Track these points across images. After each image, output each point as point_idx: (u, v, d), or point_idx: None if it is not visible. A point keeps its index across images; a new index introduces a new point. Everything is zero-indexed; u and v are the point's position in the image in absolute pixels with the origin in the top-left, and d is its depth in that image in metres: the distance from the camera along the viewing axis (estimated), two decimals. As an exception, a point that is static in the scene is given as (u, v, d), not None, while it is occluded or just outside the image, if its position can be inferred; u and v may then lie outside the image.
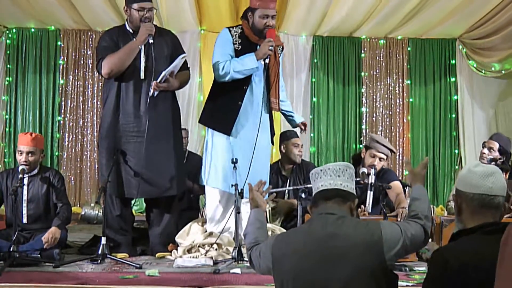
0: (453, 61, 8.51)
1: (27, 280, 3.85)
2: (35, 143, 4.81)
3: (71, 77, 8.26)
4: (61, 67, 8.23)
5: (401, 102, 8.53)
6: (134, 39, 4.73)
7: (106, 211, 4.75)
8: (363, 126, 8.44)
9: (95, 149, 7.59)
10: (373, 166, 4.98)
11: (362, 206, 4.70)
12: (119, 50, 4.70)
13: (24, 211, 4.80)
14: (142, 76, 4.73)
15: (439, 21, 7.83)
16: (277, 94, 4.91)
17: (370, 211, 4.63)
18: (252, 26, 4.79)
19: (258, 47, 4.73)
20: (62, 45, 8.24)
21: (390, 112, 8.50)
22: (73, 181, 8.16)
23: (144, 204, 5.40)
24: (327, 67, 8.45)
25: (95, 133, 7.93)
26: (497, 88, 8.39)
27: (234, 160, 4.61)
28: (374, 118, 8.49)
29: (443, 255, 2.13)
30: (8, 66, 8.16)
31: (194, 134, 7.94)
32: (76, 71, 8.27)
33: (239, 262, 4.23)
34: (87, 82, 8.28)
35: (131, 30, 4.84)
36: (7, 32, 8.16)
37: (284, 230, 4.54)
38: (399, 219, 4.58)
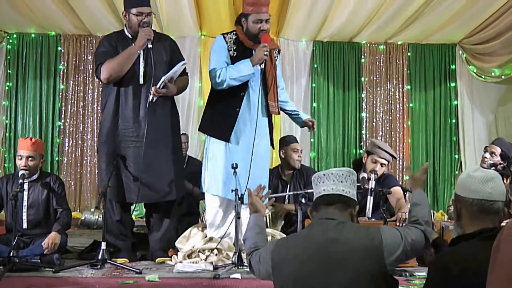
0: (453, 66, 8.53)
1: (27, 285, 3.86)
2: (35, 148, 4.81)
3: (71, 82, 8.28)
4: (61, 72, 8.25)
5: (401, 107, 8.54)
6: (133, 44, 4.73)
7: (106, 216, 4.75)
8: (363, 131, 8.45)
9: (95, 154, 7.59)
10: (374, 171, 4.98)
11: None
12: (118, 55, 4.71)
13: (24, 217, 4.79)
14: (141, 81, 4.73)
15: (439, 27, 7.85)
16: (275, 98, 4.89)
17: (370, 216, 4.62)
18: (246, 31, 4.78)
19: (253, 52, 4.72)
20: (63, 50, 8.26)
21: (390, 117, 8.51)
22: (73, 186, 8.17)
23: (144, 209, 5.39)
24: (327, 72, 8.46)
25: (95, 138, 7.93)
26: (497, 93, 8.40)
27: (234, 165, 4.60)
28: (374, 123, 8.50)
29: (443, 260, 2.12)
30: (8, 71, 8.18)
31: (194, 139, 7.94)
32: (77, 76, 8.29)
33: (239, 267, 4.22)
34: (87, 87, 8.29)
35: (130, 35, 4.84)
36: (8, 37, 8.19)
37: (284, 235, 4.54)
38: (397, 224, 4.58)
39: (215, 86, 4.77)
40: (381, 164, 5.14)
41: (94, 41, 8.15)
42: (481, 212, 2.23)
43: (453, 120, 8.53)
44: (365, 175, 4.92)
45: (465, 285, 2.00)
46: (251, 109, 4.81)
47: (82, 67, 8.28)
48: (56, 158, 8.19)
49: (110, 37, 4.95)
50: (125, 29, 4.91)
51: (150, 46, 4.66)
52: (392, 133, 8.50)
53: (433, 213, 6.32)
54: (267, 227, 5.09)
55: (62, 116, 8.24)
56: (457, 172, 8.39)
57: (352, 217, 2.56)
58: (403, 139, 8.50)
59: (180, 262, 4.52)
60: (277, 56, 5.06)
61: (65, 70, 8.26)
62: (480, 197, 2.23)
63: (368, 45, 8.53)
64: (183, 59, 4.92)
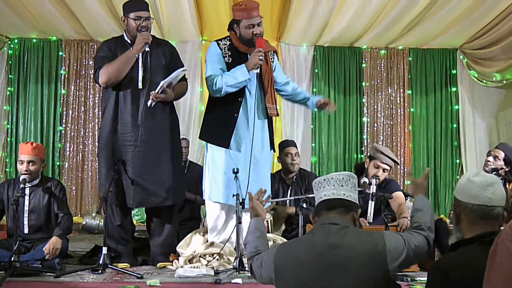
0: (454, 71, 8.54)
1: (28, 290, 3.85)
2: (36, 153, 4.81)
3: (72, 87, 8.30)
4: (62, 77, 8.27)
5: (402, 112, 8.55)
6: (131, 48, 4.75)
7: (107, 221, 4.75)
8: (364, 136, 8.45)
9: (96, 159, 7.59)
10: (376, 176, 4.97)
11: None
12: (116, 59, 4.71)
13: (25, 221, 4.79)
14: (140, 86, 4.73)
15: (440, 31, 7.86)
16: (273, 100, 4.87)
17: (371, 221, 4.61)
18: (240, 37, 4.77)
19: (248, 56, 4.70)
20: (64, 55, 8.28)
21: (391, 122, 8.52)
22: (74, 191, 8.18)
23: (145, 214, 5.39)
24: (328, 77, 8.47)
25: (96, 143, 7.93)
26: (498, 98, 8.41)
27: (236, 170, 4.60)
28: (375, 128, 8.50)
29: (443, 265, 2.12)
30: (10, 76, 8.20)
31: (195, 144, 7.94)
32: (78, 81, 8.31)
33: (241, 272, 4.21)
34: (88, 92, 8.31)
35: (129, 41, 4.84)
36: (9, 42, 8.21)
37: (285, 240, 4.53)
38: (399, 229, 4.57)
39: (213, 94, 4.77)
40: (383, 170, 5.13)
41: (95, 46, 8.16)
42: (480, 217, 2.22)
43: (454, 125, 8.53)
44: (366, 180, 4.92)
45: (465, 290, 2.00)
46: (249, 113, 4.79)
47: (83, 72, 8.30)
48: (57, 163, 8.19)
49: (109, 42, 4.96)
50: (124, 34, 4.92)
51: (147, 49, 4.67)
52: (393, 138, 8.51)
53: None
54: (268, 232, 5.09)
55: (63, 121, 8.26)
56: (458, 177, 8.38)
57: (355, 221, 2.56)
58: (404, 144, 8.50)
59: (181, 267, 4.51)
60: (273, 58, 5.04)
61: (66, 75, 8.29)
62: (480, 202, 2.22)
63: (369, 50, 8.54)
64: (183, 65, 4.92)
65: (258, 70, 4.68)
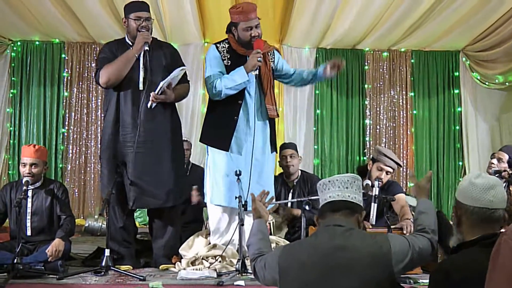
0: (457, 73, 8.53)
1: (30, 292, 3.86)
2: (38, 155, 4.82)
3: (75, 89, 8.31)
4: (65, 79, 8.28)
5: (404, 114, 8.54)
6: (131, 48, 4.76)
7: (109, 223, 4.75)
8: (367, 138, 8.45)
9: (99, 161, 7.59)
10: (379, 179, 4.96)
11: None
12: (116, 60, 4.72)
13: (28, 224, 4.80)
14: (141, 87, 4.74)
15: (443, 34, 7.85)
16: (273, 101, 4.87)
17: (374, 223, 4.61)
18: (238, 39, 4.78)
19: (248, 58, 4.70)
20: (66, 58, 8.29)
21: (394, 124, 8.52)
22: (76, 193, 8.18)
23: (147, 216, 5.39)
24: (330, 79, 8.44)
25: (99, 145, 7.94)
26: (500, 100, 8.40)
27: (238, 172, 4.60)
28: (377, 130, 8.50)
29: (445, 267, 2.12)
30: (12, 78, 8.21)
31: (198, 147, 7.92)
32: (80, 83, 8.32)
33: (243, 274, 4.21)
34: (91, 95, 8.32)
35: (130, 42, 4.85)
36: (12, 45, 8.22)
37: (288, 242, 4.53)
38: (404, 232, 4.55)
39: (212, 97, 4.78)
40: (387, 172, 5.13)
41: (98, 49, 8.16)
42: (481, 220, 2.22)
43: (457, 127, 8.53)
44: (369, 182, 4.91)
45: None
46: (250, 115, 4.79)
47: (86, 75, 8.31)
48: (60, 165, 8.20)
49: (111, 44, 4.98)
50: (126, 37, 4.93)
51: (146, 48, 4.67)
52: (396, 140, 8.50)
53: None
54: (270, 234, 5.09)
55: (66, 123, 8.27)
56: (460, 179, 8.35)
57: (359, 223, 2.57)
58: (407, 146, 8.50)
59: (184, 269, 4.51)
60: (273, 56, 5.02)
61: (69, 78, 8.30)
62: (481, 205, 2.22)
63: (372, 52, 8.54)
64: (183, 65, 4.93)
65: (256, 72, 4.68)
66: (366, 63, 8.53)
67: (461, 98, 8.48)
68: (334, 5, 6.97)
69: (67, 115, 8.28)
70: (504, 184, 5.40)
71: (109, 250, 4.46)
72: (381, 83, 8.55)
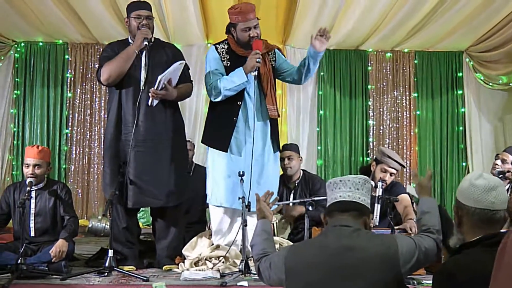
0: (460, 74, 8.52)
1: (34, 292, 3.86)
2: (42, 156, 4.83)
3: (78, 90, 8.31)
4: (68, 80, 8.29)
5: (408, 115, 8.53)
6: (131, 45, 4.77)
7: (112, 224, 4.75)
8: (370, 139, 8.44)
9: (102, 161, 7.61)
10: (383, 180, 4.96)
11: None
12: (116, 57, 4.74)
13: (32, 224, 4.81)
14: (142, 86, 4.74)
15: (446, 34, 7.84)
16: (273, 101, 4.86)
17: (377, 224, 4.61)
18: (237, 40, 4.79)
19: (247, 59, 4.70)
20: (70, 59, 8.30)
21: (397, 125, 8.50)
22: (80, 194, 8.19)
23: (151, 217, 5.39)
24: (334, 80, 8.46)
25: (102, 146, 7.95)
26: (504, 101, 8.38)
27: (241, 173, 4.59)
28: (381, 131, 8.49)
29: (448, 268, 2.12)
30: (16, 79, 8.22)
31: (201, 147, 7.91)
32: (84, 84, 8.32)
33: (246, 275, 4.21)
34: (94, 95, 8.33)
35: (132, 42, 4.86)
36: (16, 46, 8.23)
37: (291, 243, 4.52)
38: (409, 233, 4.55)
39: (212, 98, 4.78)
40: (390, 174, 5.12)
41: (101, 50, 8.14)
42: (482, 221, 2.22)
43: (460, 128, 8.51)
44: (372, 182, 4.91)
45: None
46: (249, 116, 4.78)
47: (89, 75, 8.31)
48: (63, 166, 8.21)
49: (113, 44, 5.01)
50: (129, 37, 4.95)
51: (145, 43, 4.68)
52: (399, 140, 8.49)
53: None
54: (274, 235, 5.08)
55: (70, 124, 8.28)
56: (463, 180, 8.34)
57: (366, 225, 2.57)
58: (410, 146, 8.48)
59: (187, 269, 4.51)
60: (274, 56, 5.00)
61: (72, 78, 8.30)
62: (482, 206, 2.22)
63: (375, 53, 8.53)
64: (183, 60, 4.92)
65: (256, 73, 4.67)
66: (369, 64, 8.52)
67: (465, 98, 8.46)
68: (337, 6, 6.97)
69: (70, 116, 8.28)
70: (508, 185, 5.39)
71: (112, 250, 4.46)
72: (384, 83, 8.54)
